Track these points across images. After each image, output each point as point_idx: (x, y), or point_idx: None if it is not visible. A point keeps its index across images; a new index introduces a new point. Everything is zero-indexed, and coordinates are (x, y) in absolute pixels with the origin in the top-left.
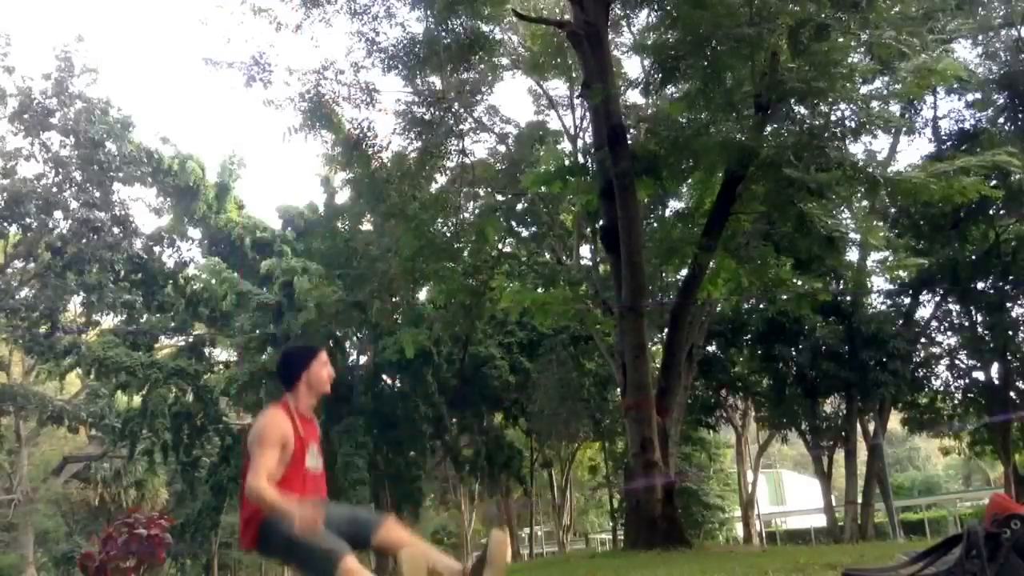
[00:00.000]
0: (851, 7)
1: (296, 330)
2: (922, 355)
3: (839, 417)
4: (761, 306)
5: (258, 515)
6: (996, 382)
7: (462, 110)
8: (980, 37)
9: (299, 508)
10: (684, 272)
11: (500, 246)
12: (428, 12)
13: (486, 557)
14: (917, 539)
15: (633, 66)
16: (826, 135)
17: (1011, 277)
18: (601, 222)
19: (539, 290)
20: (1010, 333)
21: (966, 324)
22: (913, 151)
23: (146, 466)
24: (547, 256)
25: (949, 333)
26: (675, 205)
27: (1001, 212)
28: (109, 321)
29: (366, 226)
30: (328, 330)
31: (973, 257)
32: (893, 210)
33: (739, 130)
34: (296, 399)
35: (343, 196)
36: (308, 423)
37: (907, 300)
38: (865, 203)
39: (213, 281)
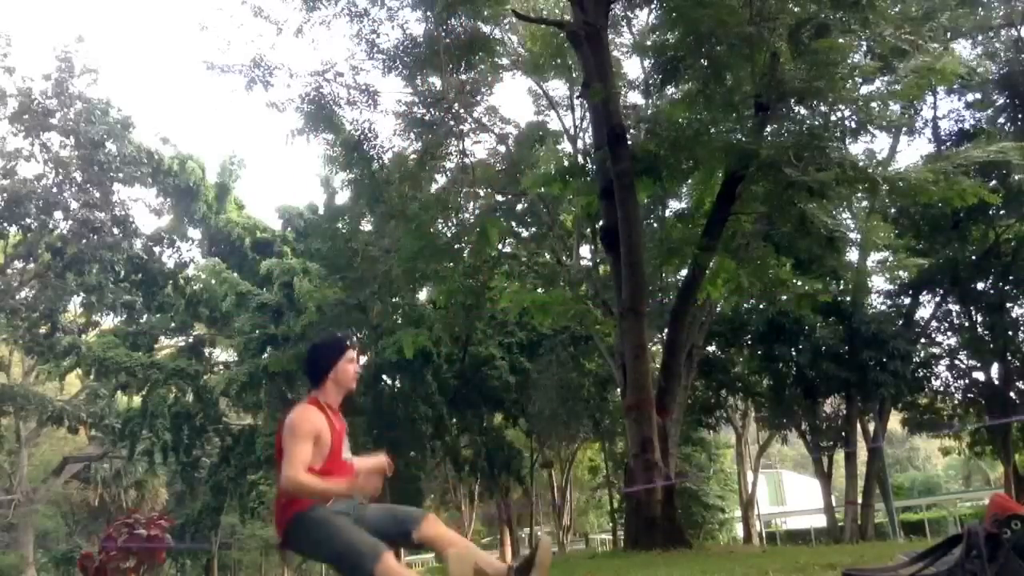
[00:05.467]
0: (851, 7)
1: (296, 330)
2: (922, 355)
3: (839, 417)
4: (761, 306)
5: (290, 509)
6: (996, 382)
7: (462, 111)
8: (980, 37)
9: (344, 482)
10: (684, 272)
11: (500, 246)
12: (428, 13)
13: (535, 559)
14: (917, 539)
15: (633, 66)
16: (826, 135)
17: (1011, 277)
18: (601, 222)
19: (539, 290)
20: (1010, 333)
21: (966, 324)
22: (913, 151)
23: (146, 466)
24: (547, 256)
25: (949, 333)
26: (675, 205)
27: (1001, 212)
28: (109, 321)
29: (366, 227)
30: (328, 331)
31: (973, 257)
32: (893, 210)
33: (739, 131)
34: (324, 394)
35: (343, 197)
36: (337, 416)
37: (907, 300)
38: (865, 203)
39: (213, 281)
